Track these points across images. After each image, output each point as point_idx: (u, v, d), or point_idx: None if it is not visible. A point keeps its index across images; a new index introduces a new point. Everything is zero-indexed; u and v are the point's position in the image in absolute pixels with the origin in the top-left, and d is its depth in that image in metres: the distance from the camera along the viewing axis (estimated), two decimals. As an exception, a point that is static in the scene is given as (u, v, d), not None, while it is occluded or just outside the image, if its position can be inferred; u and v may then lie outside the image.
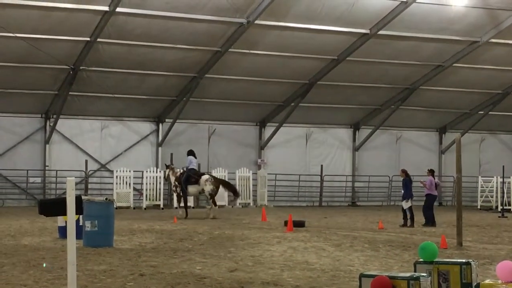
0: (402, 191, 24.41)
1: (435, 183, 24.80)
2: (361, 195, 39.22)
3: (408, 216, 23.55)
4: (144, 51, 29.54)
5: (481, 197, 36.45)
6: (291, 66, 32.21)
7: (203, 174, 27.63)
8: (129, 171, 32.60)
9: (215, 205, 26.86)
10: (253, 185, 35.39)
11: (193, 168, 27.11)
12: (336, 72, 32.91)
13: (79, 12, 26.53)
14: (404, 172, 24.31)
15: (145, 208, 31.83)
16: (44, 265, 10.95)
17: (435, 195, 24.80)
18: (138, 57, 29.89)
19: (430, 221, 23.91)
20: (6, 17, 25.74)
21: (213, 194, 26.42)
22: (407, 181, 24.10)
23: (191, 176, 26.59)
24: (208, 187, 26.32)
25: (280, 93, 34.98)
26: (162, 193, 32.97)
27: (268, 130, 37.33)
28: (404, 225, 23.42)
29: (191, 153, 27.58)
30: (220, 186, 26.96)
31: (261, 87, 33.78)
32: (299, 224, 22.59)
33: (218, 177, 28.61)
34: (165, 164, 29.87)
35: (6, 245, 16.39)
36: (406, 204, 23.66)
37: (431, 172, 24.99)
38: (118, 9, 26.16)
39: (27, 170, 32.86)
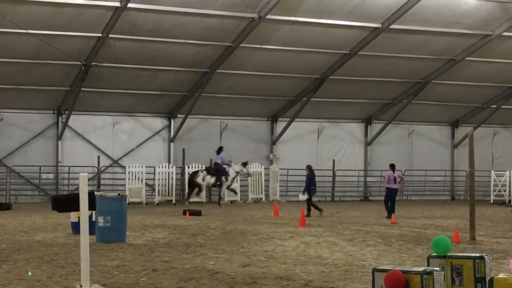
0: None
1: (395, 177, 25.51)
2: (373, 190, 39.14)
3: (307, 208, 25.09)
4: (156, 47, 29.54)
5: (494, 191, 36.32)
6: (303, 61, 32.15)
7: None
8: (141, 166, 32.65)
9: None
10: (265, 180, 35.37)
11: None
12: (347, 67, 32.82)
13: (91, 8, 26.57)
14: (308, 167, 26.33)
15: (157, 204, 31.89)
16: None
17: (392, 188, 25.56)
18: (150, 53, 29.90)
19: (388, 212, 24.93)
20: (18, 13, 25.81)
21: None
22: (309, 176, 25.79)
23: None
24: None
25: (292, 88, 34.92)
26: (174, 189, 33.02)
27: (280, 125, 37.28)
28: (308, 215, 24.56)
29: None
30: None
31: (273, 82, 33.74)
32: (195, 213, 24.66)
33: None
34: None
35: (19, 241, 16.45)
36: (302, 197, 25.51)
37: (392, 166, 26.06)
38: (130, 5, 26.18)
39: (40, 166, 32.98)
